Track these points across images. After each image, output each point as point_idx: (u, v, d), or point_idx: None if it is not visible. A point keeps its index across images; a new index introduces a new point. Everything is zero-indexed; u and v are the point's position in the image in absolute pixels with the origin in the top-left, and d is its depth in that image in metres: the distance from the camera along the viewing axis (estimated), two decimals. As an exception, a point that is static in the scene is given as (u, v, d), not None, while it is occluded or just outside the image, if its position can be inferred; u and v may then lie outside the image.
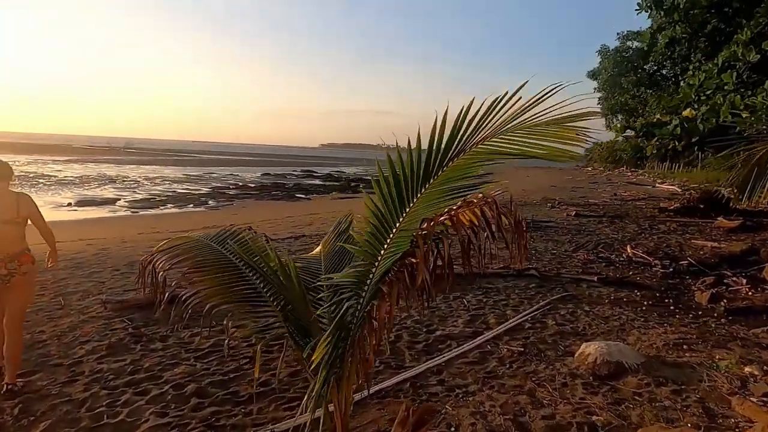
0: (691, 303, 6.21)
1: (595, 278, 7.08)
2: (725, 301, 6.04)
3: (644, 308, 5.91)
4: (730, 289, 6.76)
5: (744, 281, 6.93)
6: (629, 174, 54.25)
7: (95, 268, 7.38)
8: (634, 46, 12.71)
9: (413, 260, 1.88)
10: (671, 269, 8.04)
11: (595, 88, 15.06)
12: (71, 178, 30.88)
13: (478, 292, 6.45)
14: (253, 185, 33.06)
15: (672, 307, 5.96)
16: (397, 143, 2.09)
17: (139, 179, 33.68)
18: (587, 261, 8.78)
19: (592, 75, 14.18)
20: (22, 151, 58.91)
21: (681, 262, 8.70)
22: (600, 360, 3.99)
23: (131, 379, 3.76)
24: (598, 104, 15.46)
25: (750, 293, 6.52)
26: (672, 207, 15.67)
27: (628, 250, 9.64)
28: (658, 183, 31.76)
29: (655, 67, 12.11)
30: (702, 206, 15.11)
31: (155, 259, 2.71)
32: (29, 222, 3.77)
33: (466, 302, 6.00)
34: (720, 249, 9.77)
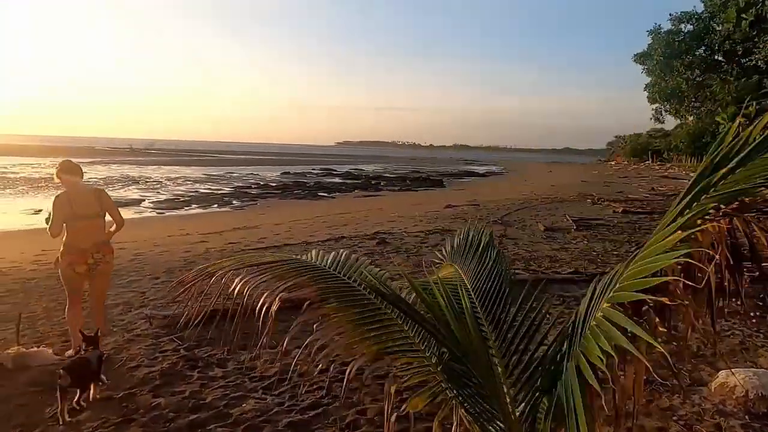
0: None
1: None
2: None
3: (755, 320, 5.15)
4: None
5: None
6: (657, 167, 52.64)
7: (133, 276, 6.88)
8: (686, 30, 11.91)
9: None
10: (757, 272, 7.23)
11: (643, 72, 14.14)
12: (96, 179, 30.87)
13: (555, 302, 5.75)
14: (274, 184, 32.72)
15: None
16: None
17: (161, 180, 33.59)
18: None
19: (640, 58, 13.30)
20: (47, 153, 59.65)
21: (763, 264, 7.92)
22: (754, 394, 3.28)
23: (195, 419, 3.17)
24: (644, 90, 14.55)
25: None
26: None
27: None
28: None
29: (709, 51, 11.31)
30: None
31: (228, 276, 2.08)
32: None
33: (548, 315, 5.30)
34: None
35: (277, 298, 1.85)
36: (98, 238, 4.05)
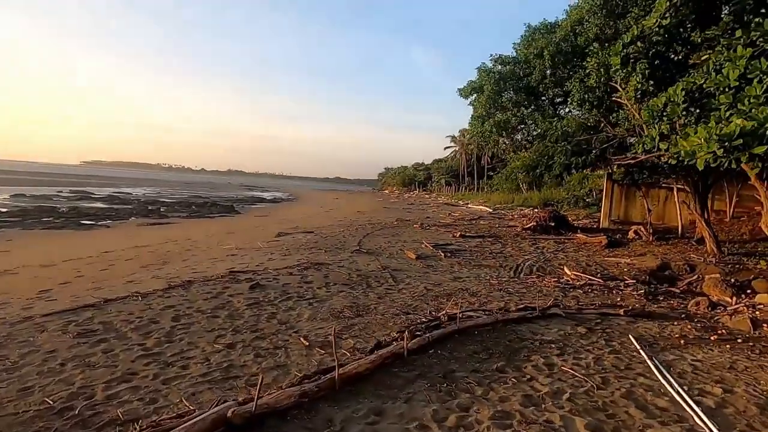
0: (729, 329, 5.70)
1: (621, 311, 6.10)
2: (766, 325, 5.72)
3: (719, 345, 5.09)
4: (728, 309, 6.64)
5: (732, 300, 6.92)
6: (427, 195, 60.16)
7: None
8: (505, 70, 13.60)
9: None
10: (649, 291, 7.75)
11: (471, 103, 15.37)
12: None
13: (542, 360, 4.65)
14: (5, 210, 24.06)
15: (736, 339, 5.30)
16: None
17: None
18: (553, 287, 7.93)
19: (471, 91, 14.52)
20: None
21: (625, 280, 8.71)
22: None
23: None
24: (471, 120, 15.84)
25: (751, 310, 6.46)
26: (529, 226, 16.73)
27: (568, 272, 9.31)
28: (471, 205, 35.24)
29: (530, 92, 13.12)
30: (553, 224, 16.60)
31: None
32: None
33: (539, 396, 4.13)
34: (633, 265, 10.30)
35: None
36: None
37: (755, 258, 10.51)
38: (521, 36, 14.70)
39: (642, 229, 15.67)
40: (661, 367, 4.26)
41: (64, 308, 5.36)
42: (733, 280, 7.94)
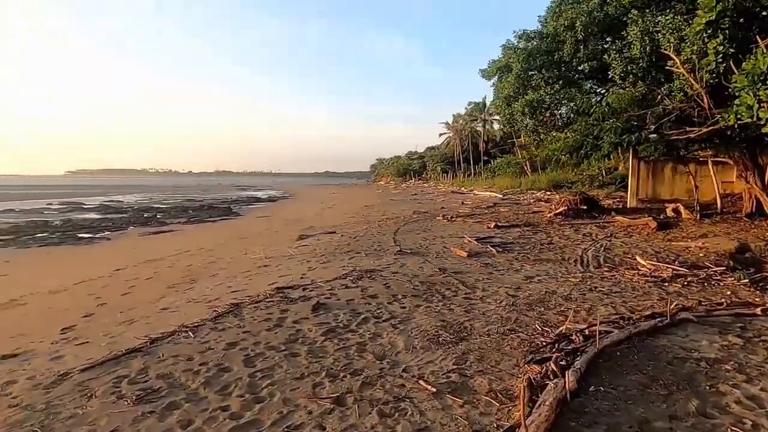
0: None
1: (758, 310, 5.22)
2: None
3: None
4: None
5: None
6: (425, 185, 59.17)
7: None
8: (531, 46, 12.62)
9: None
10: (749, 278, 6.90)
11: (493, 85, 14.27)
12: None
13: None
14: (-5, 227, 22.64)
15: None
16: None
17: None
18: (643, 282, 7.04)
19: (495, 71, 13.47)
20: None
21: (710, 267, 7.85)
22: None
23: None
24: (494, 101, 14.72)
25: None
26: (559, 210, 15.85)
27: (642, 262, 8.43)
28: (477, 191, 34.35)
29: (564, 68, 12.15)
30: (585, 207, 15.74)
31: None
32: None
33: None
34: (706, 248, 9.45)
35: None
36: None
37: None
38: (547, 8, 13.68)
39: (680, 206, 14.89)
40: None
41: (104, 357, 4.32)
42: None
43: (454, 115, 64.85)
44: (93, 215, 30.53)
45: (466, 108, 60.21)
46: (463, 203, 24.87)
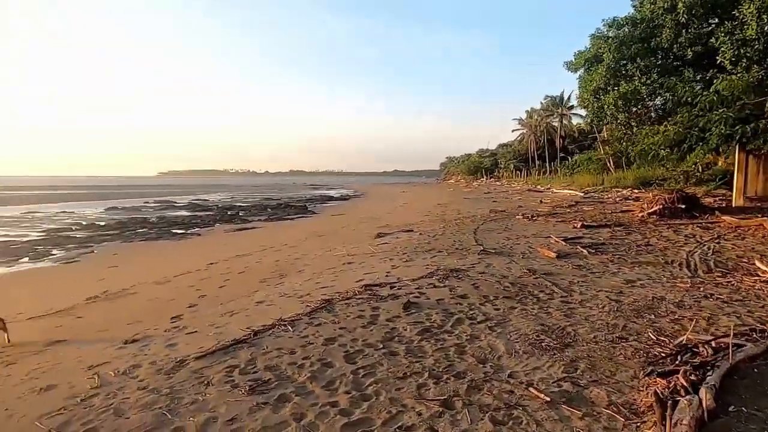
0: None
1: None
2: None
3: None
4: None
5: None
6: (497, 183, 57.62)
7: None
8: (624, 34, 11.86)
9: None
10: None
11: (580, 77, 13.64)
12: None
13: None
14: (103, 223, 25.19)
15: None
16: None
17: None
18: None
19: (583, 62, 12.84)
20: None
21: None
22: None
23: None
24: (580, 94, 13.94)
25: None
26: (653, 210, 14.67)
27: (764, 267, 7.55)
28: (555, 189, 32.85)
29: (662, 55, 11.23)
30: (683, 206, 14.45)
31: None
32: None
33: None
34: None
35: None
36: None
37: None
38: (642, -9, 12.69)
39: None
40: None
41: (214, 346, 4.56)
42: None
43: (527, 110, 62.57)
44: (184, 212, 32.96)
45: (541, 102, 57.86)
46: (541, 201, 23.87)
